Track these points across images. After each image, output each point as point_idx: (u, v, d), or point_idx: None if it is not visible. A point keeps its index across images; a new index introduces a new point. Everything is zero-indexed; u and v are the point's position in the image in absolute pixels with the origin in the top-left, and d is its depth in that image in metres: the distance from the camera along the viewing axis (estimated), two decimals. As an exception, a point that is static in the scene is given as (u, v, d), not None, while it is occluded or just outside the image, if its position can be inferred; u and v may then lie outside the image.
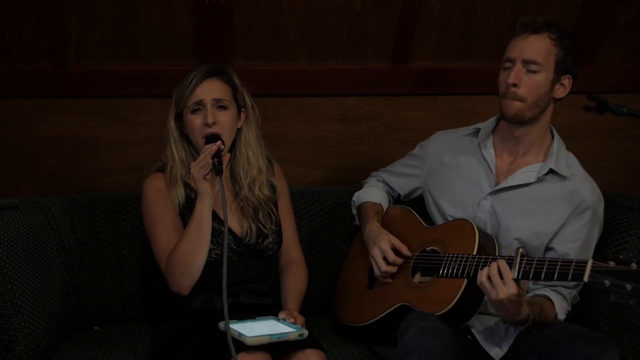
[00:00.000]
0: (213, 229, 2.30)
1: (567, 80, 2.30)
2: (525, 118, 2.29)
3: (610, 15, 2.92)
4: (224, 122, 2.32)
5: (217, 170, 2.18)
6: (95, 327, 2.64)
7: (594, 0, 2.85)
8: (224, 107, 2.33)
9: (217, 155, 2.21)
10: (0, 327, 2.16)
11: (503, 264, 2.05)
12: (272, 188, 2.47)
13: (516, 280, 2.05)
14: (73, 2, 2.65)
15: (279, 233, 2.46)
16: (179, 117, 2.37)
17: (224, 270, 2.03)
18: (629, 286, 1.86)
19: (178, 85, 2.37)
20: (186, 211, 2.34)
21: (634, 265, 1.87)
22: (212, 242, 2.30)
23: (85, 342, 2.51)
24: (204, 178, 2.20)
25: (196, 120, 2.31)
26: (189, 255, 2.25)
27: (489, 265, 2.07)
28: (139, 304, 2.68)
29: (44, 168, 2.92)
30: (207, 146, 2.23)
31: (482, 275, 2.07)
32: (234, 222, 2.39)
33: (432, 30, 2.90)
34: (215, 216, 2.32)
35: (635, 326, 2.35)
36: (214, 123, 2.29)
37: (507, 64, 2.29)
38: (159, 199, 2.35)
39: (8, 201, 2.41)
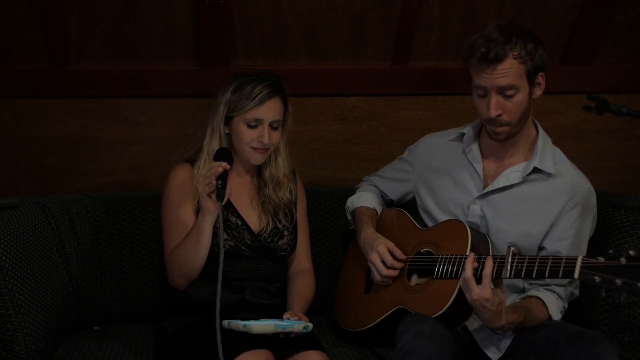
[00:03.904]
0: (230, 222, 2.36)
1: (541, 78, 2.24)
2: (514, 134, 2.27)
3: (610, 15, 2.92)
4: (274, 140, 2.38)
5: (219, 195, 2.18)
6: (95, 327, 2.64)
7: (594, 0, 2.85)
8: (277, 127, 2.38)
9: (222, 177, 2.20)
10: (0, 327, 2.16)
11: (489, 266, 2.06)
12: (291, 193, 2.51)
13: (496, 282, 2.06)
14: (73, 2, 2.65)
15: (294, 237, 2.48)
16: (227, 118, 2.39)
17: (218, 298, 2.04)
18: (618, 281, 1.86)
19: (236, 87, 2.36)
20: None
21: (623, 260, 1.86)
22: (227, 233, 2.35)
23: (85, 341, 2.51)
24: (208, 196, 2.20)
25: (250, 134, 2.35)
26: (184, 261, 2.30)
27: (482, 263, 2.09)
28: (139, 304, 2.68)
29: (44, 168, 2.91)
30: (214, 163, 2.23)
31: (466, 273, 2.08)
32: (254, 216, 2.43)
33: (432, 30, 2.90)
34: (234, 211, 2.38)
35: (635, 326, 2.35)
36: (267, 142, 2.35)
37: (480, 92, 2.23)
38: (181, 192, 2.39)
39: (8, 201, 2.41)
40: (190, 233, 2.28)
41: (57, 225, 2.55)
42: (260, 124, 2.34)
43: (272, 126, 2.36)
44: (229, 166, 2.22)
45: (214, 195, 2.20)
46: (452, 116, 3.06)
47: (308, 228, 2.59)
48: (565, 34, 2.95)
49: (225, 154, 2.28)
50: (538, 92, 2.25)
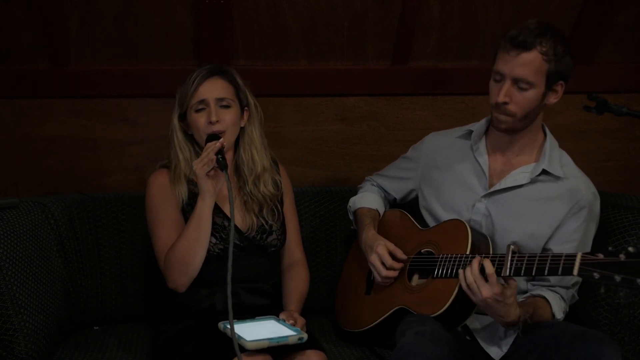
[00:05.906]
0: (216, 224, 2.33)
1: (559, 87, 2.25)
2: (516, 129, 2.28)
3: (610, 15, 2.92)
4: (227, 120, 2.35)
5: (222, 165, 2.21)
6: (95, 327, 2.64)
7: (594, 0, 2.85)
8: (227, 106, 2.36)
9: (220, 152, 2.23)
10: (0, 327, 2.16)
11: (488, 264, 2.06)
12: (276, 185, 2.48)
13: (505, 278, 2.07)
14: (73, 2, 2.65)
15: (283, 230, 2.47)
16: (183, 117, 2.40)
17: (229, 266, 2.03)
18: (618, 277, 1.86)
19: (181, 85, 2.40)
20: (189, 207, 2.36)
21: (622, 256, 1.87)
22: (215, 237, 2.33)
23: (85, 342, 2.51)
24: (207, 175, 2.22)
25: (200, 119, 2.34)
26: (187, 253, 2.27)
27: (470, 266, 2.09)
28: (138, 304, 2.68)
29: (44, 168, 2.92)
30: (209, 144, 2.25)
31: (465, 279, 2.09)
32: (238, 217, 2.40)
33: (432, 30, 2.90)
34: (219, 211, 2.36)
35: (635, 326, 2.35)
36: (217, 121, 2.32)
37: (497, 77, 2.23)
38: (162, 195, 2.38)
39: (8, 201, 2.41)
40: (190, 222, 2.27)
41: (57, 225, 2.55)
42: (206, 105, 2.34)
43: (220, 104, 2.35)
44: (225, 142, 2.25)
45: (211, 173, 2.21)
46: (452, 116, 3.06)
47: (297, 218, 2.57)
48: (565, 34, 2.94)
49: (215, 136, 2.29)
50: (552, 99, 2.26)
